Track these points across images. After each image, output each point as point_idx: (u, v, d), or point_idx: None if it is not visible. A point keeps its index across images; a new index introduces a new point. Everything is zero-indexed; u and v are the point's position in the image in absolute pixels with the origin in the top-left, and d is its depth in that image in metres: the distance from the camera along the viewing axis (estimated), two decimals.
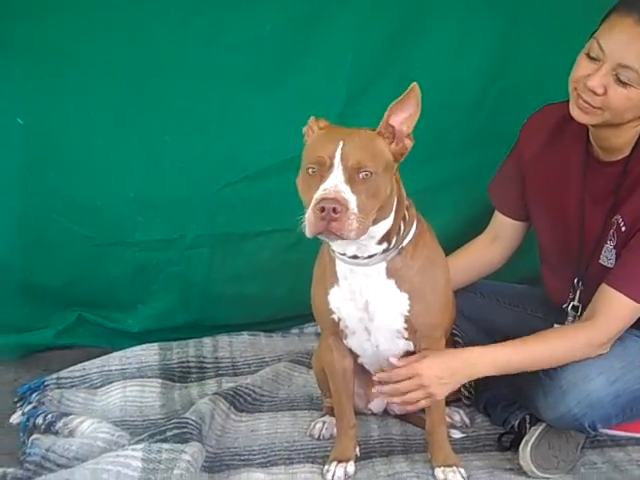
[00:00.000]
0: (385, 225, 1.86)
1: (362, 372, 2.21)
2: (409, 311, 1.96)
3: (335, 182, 1.72)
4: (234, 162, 2.71)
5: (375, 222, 1.81)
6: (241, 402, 2.44)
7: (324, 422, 2.31)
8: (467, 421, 2.37)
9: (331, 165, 1.74)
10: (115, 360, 2.70)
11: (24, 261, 2.76)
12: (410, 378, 1.96)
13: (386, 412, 2.38)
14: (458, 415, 2.38)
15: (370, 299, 1.95)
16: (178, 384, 2.63)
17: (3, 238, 2.70)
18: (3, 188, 2.65)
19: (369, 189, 1.75)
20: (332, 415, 2.31)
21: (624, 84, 1.92)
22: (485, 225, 2.44)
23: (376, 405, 2.33)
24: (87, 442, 2.13)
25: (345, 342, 2.07)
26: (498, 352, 2.01)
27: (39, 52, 2.56)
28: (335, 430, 2.25)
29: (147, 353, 2.75)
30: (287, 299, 2.88)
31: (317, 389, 2.46)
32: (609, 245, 2.10)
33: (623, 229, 2.06)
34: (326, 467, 2.10)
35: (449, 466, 2.08)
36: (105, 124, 2.62)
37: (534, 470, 2.07)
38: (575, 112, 2.02)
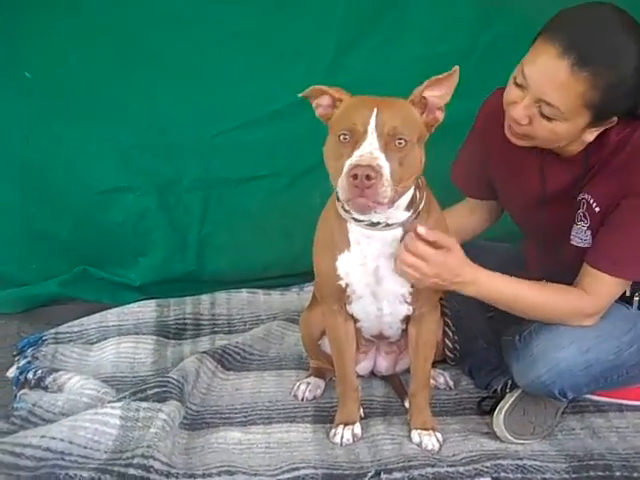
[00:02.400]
0: (410, 193, 1.87)
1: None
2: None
3: (370, 149, 1.69)
4: (228, 111, 2.83)
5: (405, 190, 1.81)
6: (230, 360, 2.48)
7: (308, 383, 2.34)
8: (451, 384, 2.39)
9: (365, 132, 1.71)
10: (113, 316, 2.77)
11: (28, 213, 2.89)
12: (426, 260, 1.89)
13: (372, 374, 2.40)
14: (443, 377, 2.39)
15: (381, 264, 1.94)
16: (172, 341, 2.68)
17: (8, 189, 2.85)
18: (7, 139, 2.79)
19: (404, 157, 1.74)
20: (317, 376, 2.35)
21: (548, 118, 1.84)
22: None
23: (363, 368, 2.34)
24: (73, 398, 2.20)
25: (348, 307, 2.06)
26: (498, 281, 1.98)
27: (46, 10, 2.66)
28: (318, 392, 2.31)
29: (144, 310, 2.81)
30: (279, 244, 3.01)
31: None
32: (581, 226, 2.03)
33: (597, 210, 1.98)
34: (333, 431, 2.12)
35: (426, 429, 2.10)
36: (106, 74, 2.76)
37: (507, 436, 2.08)
38: (507, 133, 1.97)
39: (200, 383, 2.33)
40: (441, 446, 2.07)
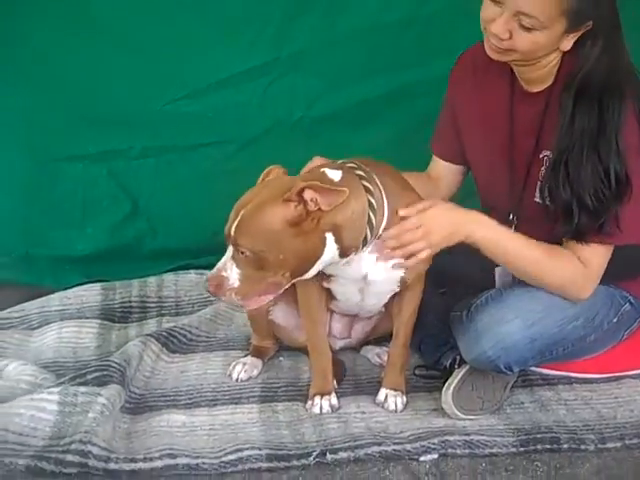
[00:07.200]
0: (332, 251, 1.86)
1: None
2: (405, 272, 2.01)
3: (224, 259, 1.82)
4: (176, 80, 2.85)
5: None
6: (175, 343, 2.42)
7: (244, 364, 2.27)
8: None
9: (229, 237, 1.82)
10: (55, 301, 2.70)
11: None
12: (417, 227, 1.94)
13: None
14: None
15: (369, 272, 1.99)
16: (117, 325, 2.61)
17: None
18: None
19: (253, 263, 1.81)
20: (255, 356, 2.31)
21: (527, 29, 1.86)
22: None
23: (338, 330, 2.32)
24: (9, 385, 2.12)
25: (326, 284, 2.07)
26: (498, 227, 1.98)
27: None
28: (254, 372, 2.27)
29: (88, 293, 2.74)
30: (228, 209, 2.95)
31: None
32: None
33: None
34: (309, 402, 2.10)
35: (394, 390, 2.11)
36: (52, 44, 2.78)
37: (456, 412, 2.05)
38: (488, 51, 1.97)
39: (144, 366, 2.28)
40: (404, 408, 2.09)
